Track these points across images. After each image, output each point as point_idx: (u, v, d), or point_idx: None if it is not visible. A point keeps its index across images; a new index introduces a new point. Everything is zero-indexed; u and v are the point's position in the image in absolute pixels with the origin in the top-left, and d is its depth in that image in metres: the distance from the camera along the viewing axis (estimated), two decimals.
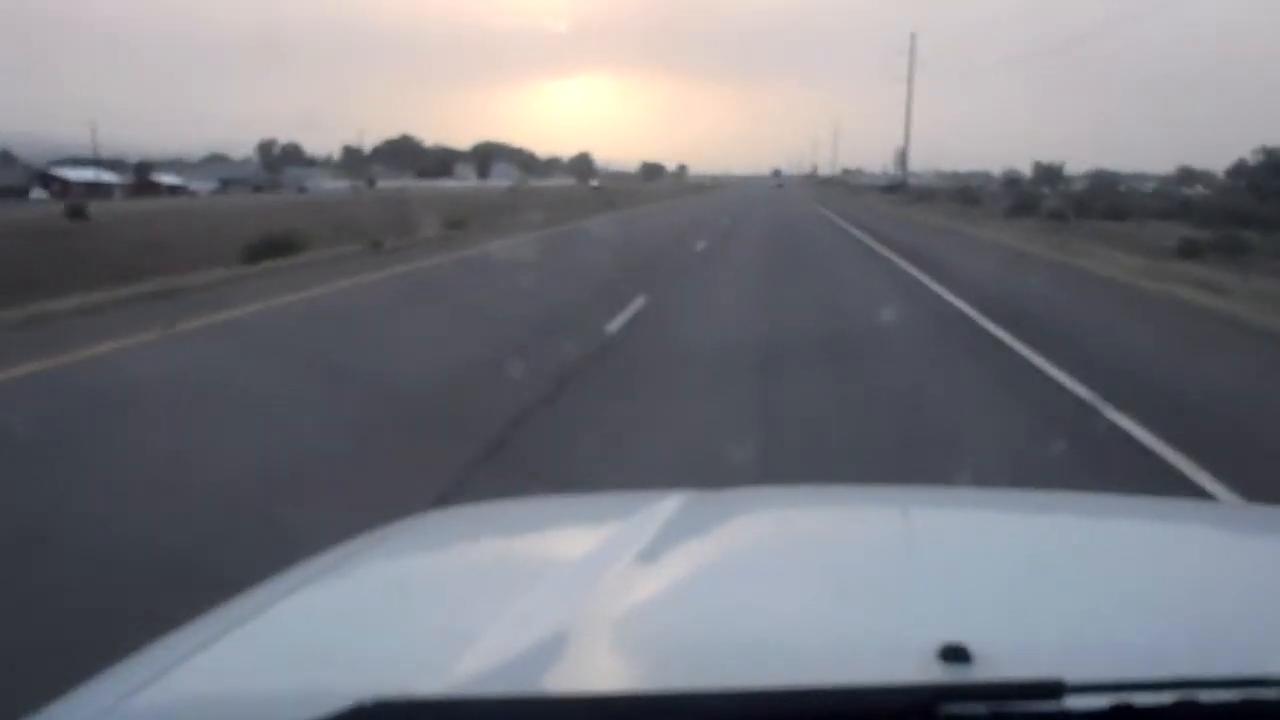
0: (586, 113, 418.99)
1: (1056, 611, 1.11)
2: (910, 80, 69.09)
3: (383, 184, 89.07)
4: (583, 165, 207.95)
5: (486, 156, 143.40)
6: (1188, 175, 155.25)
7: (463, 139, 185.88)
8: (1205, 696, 0.83)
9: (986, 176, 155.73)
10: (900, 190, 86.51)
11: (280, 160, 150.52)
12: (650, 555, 1.26)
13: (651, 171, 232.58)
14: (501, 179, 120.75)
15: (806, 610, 1.12)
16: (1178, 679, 0.84)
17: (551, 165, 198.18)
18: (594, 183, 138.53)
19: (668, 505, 1.45)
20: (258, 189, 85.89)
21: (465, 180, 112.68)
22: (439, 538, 1.57)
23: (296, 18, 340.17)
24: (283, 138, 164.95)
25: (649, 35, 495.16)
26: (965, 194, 58.27)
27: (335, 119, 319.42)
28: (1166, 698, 0.83)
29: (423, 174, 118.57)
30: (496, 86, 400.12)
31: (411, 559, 1.46)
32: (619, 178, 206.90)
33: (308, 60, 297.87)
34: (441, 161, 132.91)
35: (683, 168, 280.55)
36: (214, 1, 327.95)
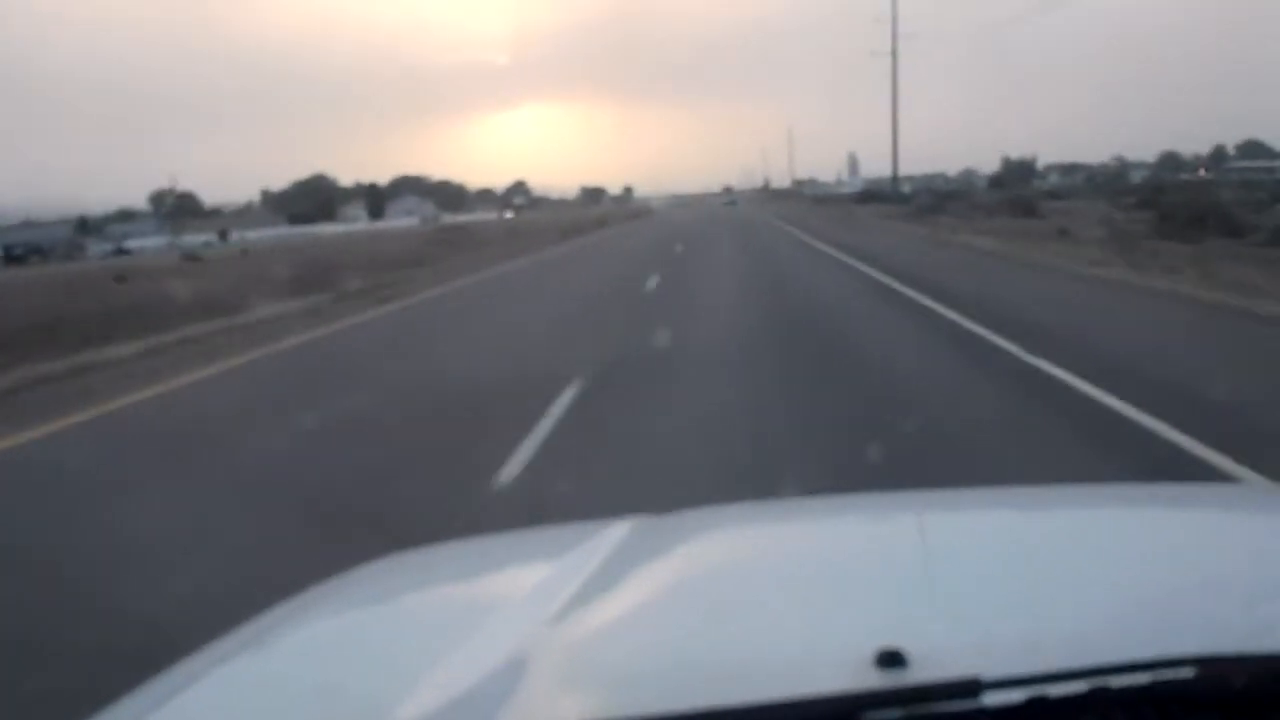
0: (524, 142, 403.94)
1: (990, 609, 1.13)
2: (894, 70, 54.00)
3: (250, 234, 72.38)
4: (516, 195, 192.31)
5: (377, 195, 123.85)
6: (1172, 161, 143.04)
7: (387, 176, 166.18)
8: (1117, 682, 0.86)
9: (945, 178, 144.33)
10: (881, 199, 71.13)
11: (176, 211, 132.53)
12: (597, 586, 1.26)
13: (592, 196, 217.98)
14: (403, 218, 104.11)
15: (752, 629, 1.14)
16: (1093, 667, 0.87)
17: (484, 197, 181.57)
18: (507, 214, 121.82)
19: (615, 533, 1.49)
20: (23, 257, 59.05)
21: (350, 223, 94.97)
22: (387, 585, 1.56)
23: (223, 63, 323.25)
24: (197, 186, 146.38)
25: (591, 62, 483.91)
26: (1017, 201, 40.23)
27: (263, 165, 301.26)
28: (1081, 686, 0.86)
29: (294, 219, 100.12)
30: (432, 123, 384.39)
31: (360, 608, 1.46)
32: (558, 205, 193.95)
33: (230, 107, 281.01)
34: (324, 203, 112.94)
35: (628, 190, 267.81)
36: (137, 49, 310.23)
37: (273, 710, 1.08)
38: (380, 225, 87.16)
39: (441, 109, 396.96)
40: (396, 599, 1.51)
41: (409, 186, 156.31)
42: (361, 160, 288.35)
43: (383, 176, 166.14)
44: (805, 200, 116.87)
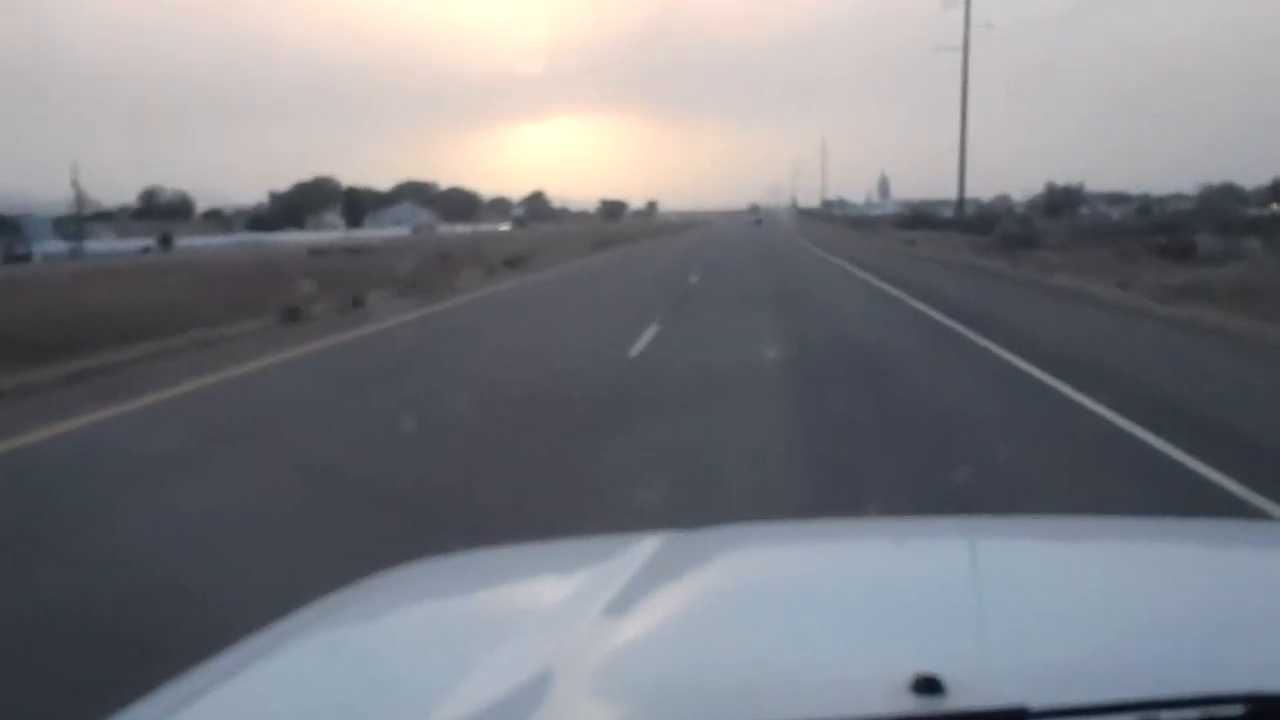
0: (547, 152, 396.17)
1: (1031, 638, 1.12)
2: (965, 73, 44.23)
3: (199, 241, 62.74)
4: (518, 206, 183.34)
5: (356, 200, 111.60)
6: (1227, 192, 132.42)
7: (394, 181, 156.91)
8: (1166, 717, 0.86)
9: (979, 204, 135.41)
10: (929, 223, 61.06)
11: (162, 212, 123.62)
12: (627, 599, 1.25)
13: (612, 210, 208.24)
14: (390, 227, 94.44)
15: (782, 648, 1.12)
16: (1141, 700, 0.87)
17: (496, 207, 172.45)
18: (503, 227, 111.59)
19: (645, 548, 1.46)
20: None
21: (325, 230, 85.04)
22: (416, 590, 1.54)
23: (257, 62, 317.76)
24: (209, 185, 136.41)
25: (620, 75, 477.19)
26: (1169, 241, 27.77)
27: (278, 167, 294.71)
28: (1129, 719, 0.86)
29: (256, 225, 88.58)
30: (457, 131, 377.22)
31: (388, 613, 1.44)
32: (574, 218, 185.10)
33: (248, 108, 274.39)
34: (288, 209, 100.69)
35: (652, 205, 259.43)
36: (171, 40, 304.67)
37: (297, 715, 1.07)
38: (361, 234, 77.82)
39: (468, 117, 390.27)
40: (423, 606, 1.48)
41: (413, 193, 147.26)
42: (380, 165, 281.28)
43: (392, 181, 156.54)
44: (838, 222, 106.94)
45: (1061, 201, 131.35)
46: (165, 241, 60.18)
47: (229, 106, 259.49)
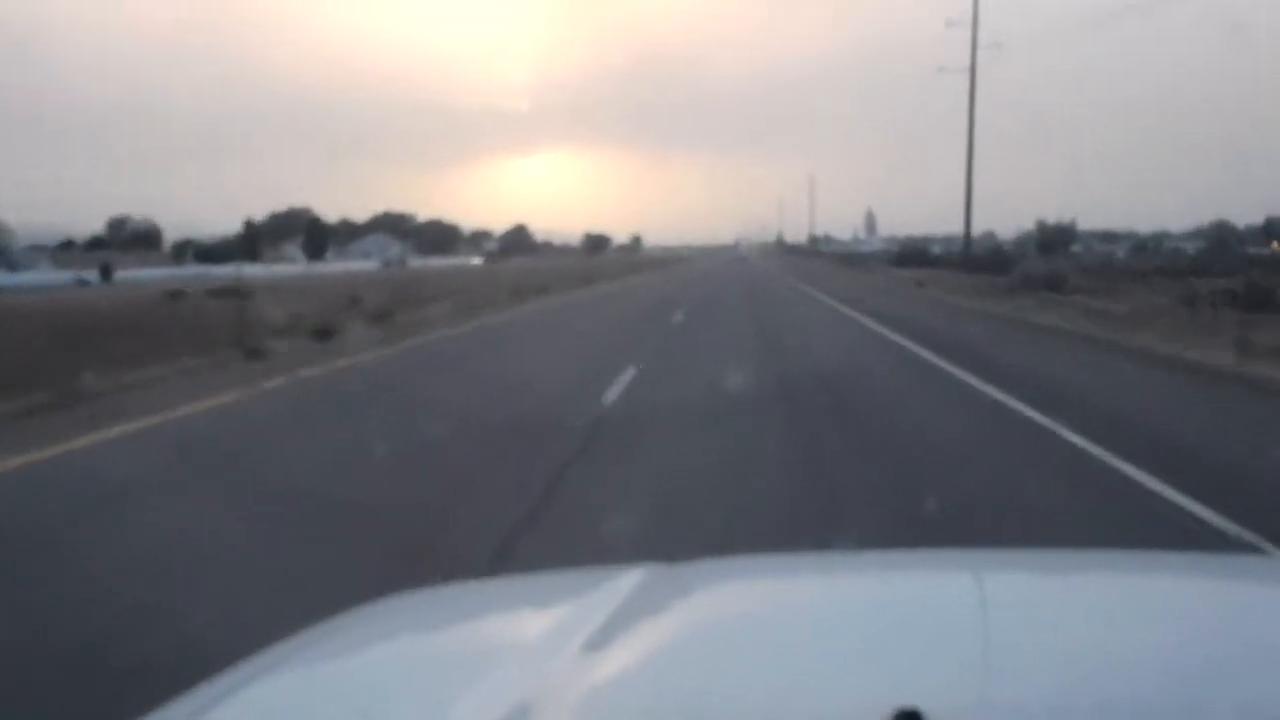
0: (530, 186, 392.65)
1: (1017, 673, 1.11)
2: (972, 97, 40.30)
3: (142, 274, 57.99)
4: (518, 238, 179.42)
5: (318, 233, 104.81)
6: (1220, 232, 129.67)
7: (371, 213, 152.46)
8: None
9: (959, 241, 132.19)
10: (922, 261, 57.13)
11: (132, 241, 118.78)
12: (609, 633, 1.24)
13: (595, 244, 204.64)
14: (358, 260, 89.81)
15: (764, 683, 1.11)
16: None
17: (477, 240, 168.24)
18: (474, 260, 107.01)
19: (627, 581, 1.45)
20: None
21: (284, 264, 79.55)
22: (397, 623, 1.54)
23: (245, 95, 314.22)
24: (184, 214, 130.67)
25: (608, 109, 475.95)
26: (1250, 286, 22.84)
27: (256, 197, 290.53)
28: None
29: (204, 257, 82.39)
30: (438, 163, 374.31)
31: (369, 646, 1.43)
32: (555, 252, 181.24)
33: (228, 138, 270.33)
34: (245, 241, 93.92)
35: (636, 239, 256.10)
36: (156, 72, 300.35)
37: None
38: (325, 268, 73.27)
39: (454, 152, 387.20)
40: (404, 638, 1.47)
41: (390, 225, 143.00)
42: (361, 197, 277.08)
43: (371, 213, 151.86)
44: (826, 259, 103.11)
45: (1054, 239, 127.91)
46: (105, 273, 55.58)
47: (213, 137, 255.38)
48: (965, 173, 41.45)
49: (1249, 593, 1.48)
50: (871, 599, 1.51)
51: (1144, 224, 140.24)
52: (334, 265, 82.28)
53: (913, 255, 68.25)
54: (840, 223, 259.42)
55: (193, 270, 63.36)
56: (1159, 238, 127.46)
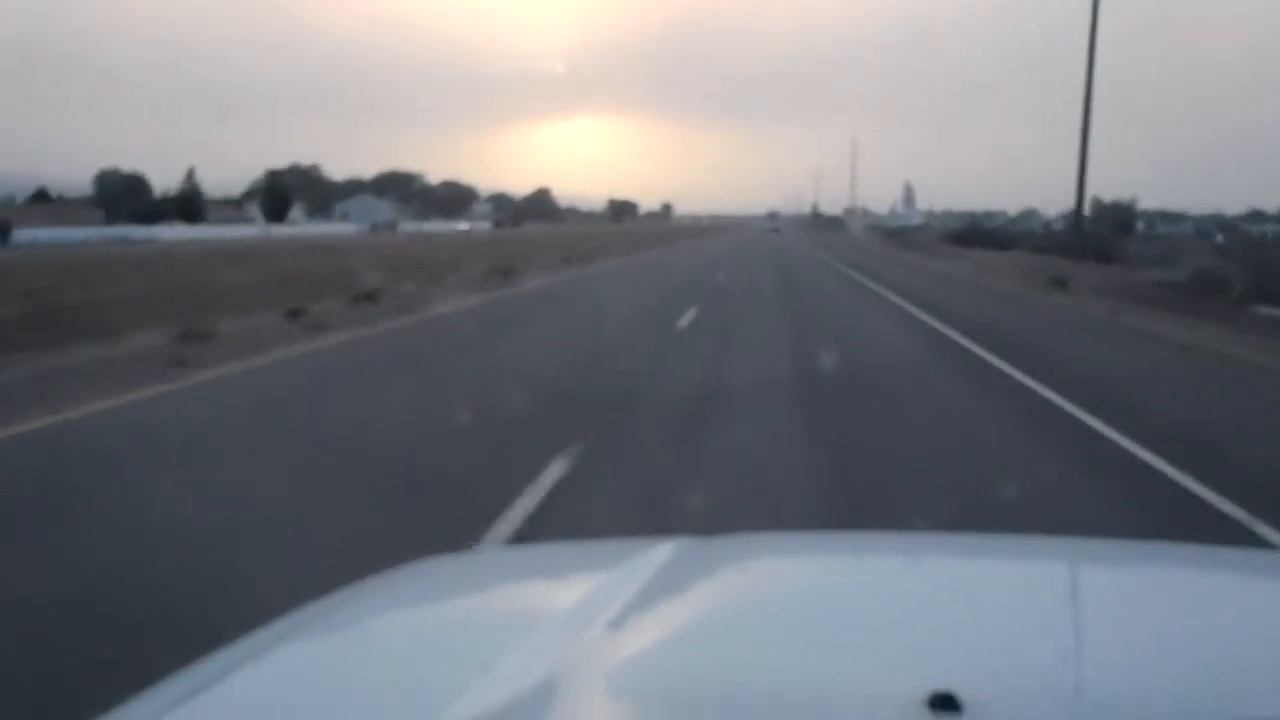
0: (559, 150, 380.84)
1: (1048, 659, 1.11)
2: (1091, 47, 29.59)
3: (44, 234, 48.10)
4: (539, 202, 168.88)
5: (279, 190, 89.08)
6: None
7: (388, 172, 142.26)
8: None
9: (1005, 217, 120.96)
10: (990, 239, 46.24)
11: (120, 195, 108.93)
12: (639, 605, 1.23)
13: (621, 210, 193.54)
14: (341, 223, 79.66)
15: (796, 660, 1.11)
16: None
17: (498, 203, 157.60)
18: (462, 225, 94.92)
19: (659, 554, 1.43)
20: None
21: (229, 227, 67.92)
22: (425, 589, 1.52)
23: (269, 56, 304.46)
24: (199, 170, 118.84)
25: (643, 75, 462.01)
26: None
27: (273, 155, 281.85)
28: None
29: (142, 216, 69.25)
30: (469, 126, 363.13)
31: (397, 611, 1.42)
32: (586, 218, 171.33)
33: (244, 96, 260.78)
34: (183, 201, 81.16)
35: (667, 207, 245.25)
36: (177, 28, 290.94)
37: (298, 712, 1.05)
38: (288, 231, 63.49)
39: (481, 113, 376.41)
40: (429, 605, 1.45)
41: (396, 185, 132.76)
42: (377, 157, 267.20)
43: (376, 171, 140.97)
44: (872, 234, 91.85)
45: (1110, 219, 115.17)
46: (2, 234, 46.10)
47: (232, 92, 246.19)
48: (1080, 137, 30.79)
49: (1272, 588, 1.46)
50: (904, 580, 1.49)
51: (1198, 206, 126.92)
52: (302, 228, 71.98)
53: (975, 233, 57.65)
54: (877, 196, 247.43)
55: (116, 232, 53.78)
56: (1211, 220, 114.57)
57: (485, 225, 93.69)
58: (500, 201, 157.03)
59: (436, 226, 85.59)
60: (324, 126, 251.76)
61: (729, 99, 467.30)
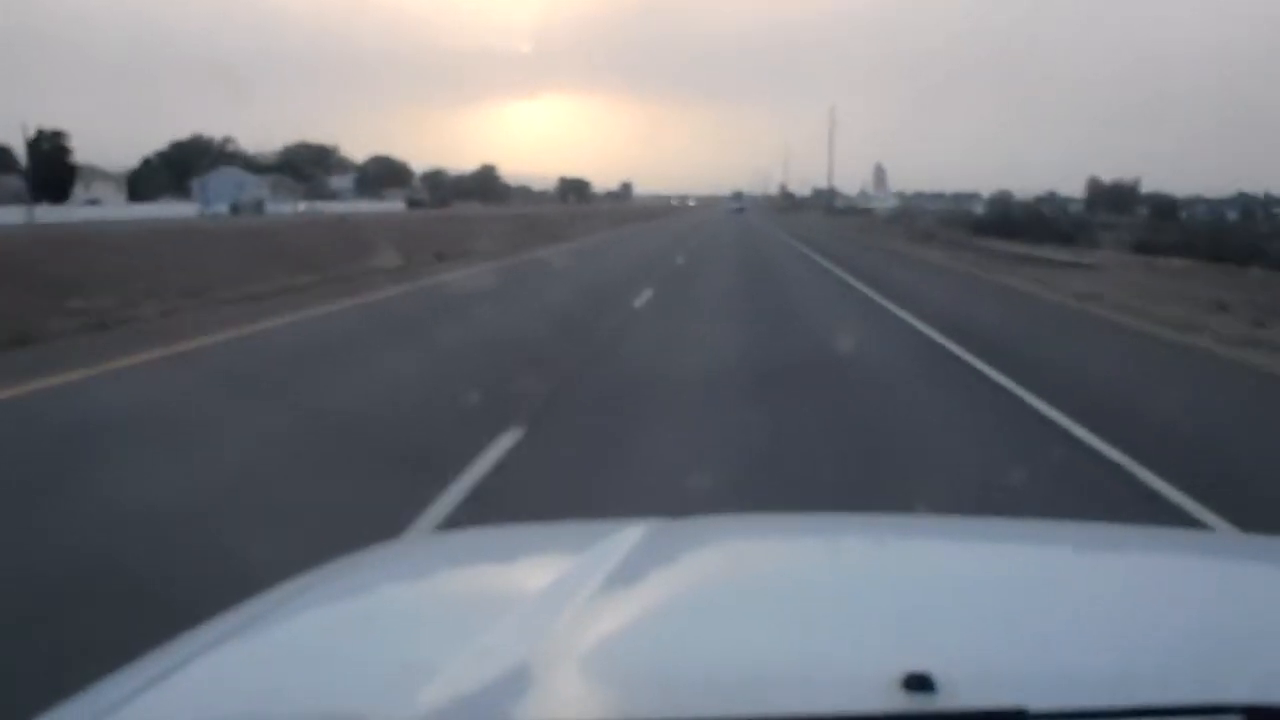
0: (509, 127, 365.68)
1: (1022, 639, 1.11)
2: None
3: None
4: (483, 180, 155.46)
5: (43, 159, 73.12)
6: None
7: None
8: None
9: (980, 200, 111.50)
10: (996, 227, 34.58)
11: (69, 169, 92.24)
12: (614, 585, 1.23)
13: (572, 189, 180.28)
14: (193, 203, 65.85)
15: (771, 640, 1.11)
16: (1139, 706, 0.87)
17: (431, 180, 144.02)
18: (364, 205, 79.21)
19: (631, 535, 1.42)
20: None
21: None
22: (399, 569, 1.52)
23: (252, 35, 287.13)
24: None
25: (609, 53, 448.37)
26: None
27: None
28: None
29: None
30: (414, 103, 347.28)
31: (370, 591, 1.41)
32: (536, 198, 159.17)
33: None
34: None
35: (626, 186, 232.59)
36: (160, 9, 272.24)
37: (275, 690, 1.04)
38: (78, 214, 48.86)
39: (434, 91, 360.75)
40: (404, 586, 1.44)
41: (310, 159, 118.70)
42: (306, 132, 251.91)
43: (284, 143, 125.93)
44: (841, 217, 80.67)
45: (1109, 201, 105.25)
46: None
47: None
48: None
49: (1263, 572, 1.45)
50: (879, 562, 1.49)
51: (1186, 188, 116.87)
52: (99, 211, 56.86)
53: (1001, 220, 46.08)
54: (846, 177, 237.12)
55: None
56: (1198, 202, 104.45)
57: (361, 206, 76.93)
58: (434, 180, 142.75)
59: (340, 207, 72.35)
60: (257, 102, 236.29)
61: (696, 78, 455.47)
